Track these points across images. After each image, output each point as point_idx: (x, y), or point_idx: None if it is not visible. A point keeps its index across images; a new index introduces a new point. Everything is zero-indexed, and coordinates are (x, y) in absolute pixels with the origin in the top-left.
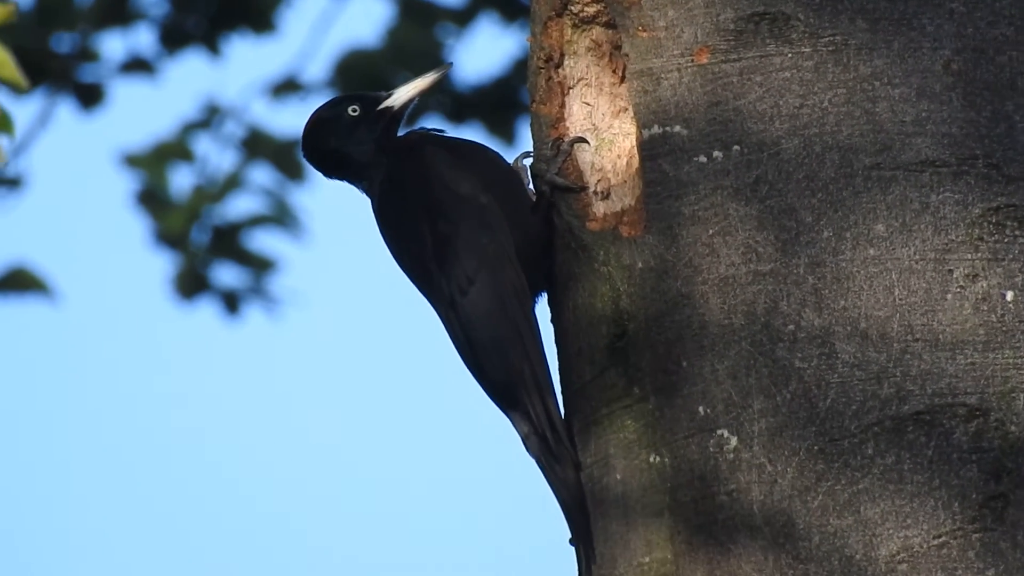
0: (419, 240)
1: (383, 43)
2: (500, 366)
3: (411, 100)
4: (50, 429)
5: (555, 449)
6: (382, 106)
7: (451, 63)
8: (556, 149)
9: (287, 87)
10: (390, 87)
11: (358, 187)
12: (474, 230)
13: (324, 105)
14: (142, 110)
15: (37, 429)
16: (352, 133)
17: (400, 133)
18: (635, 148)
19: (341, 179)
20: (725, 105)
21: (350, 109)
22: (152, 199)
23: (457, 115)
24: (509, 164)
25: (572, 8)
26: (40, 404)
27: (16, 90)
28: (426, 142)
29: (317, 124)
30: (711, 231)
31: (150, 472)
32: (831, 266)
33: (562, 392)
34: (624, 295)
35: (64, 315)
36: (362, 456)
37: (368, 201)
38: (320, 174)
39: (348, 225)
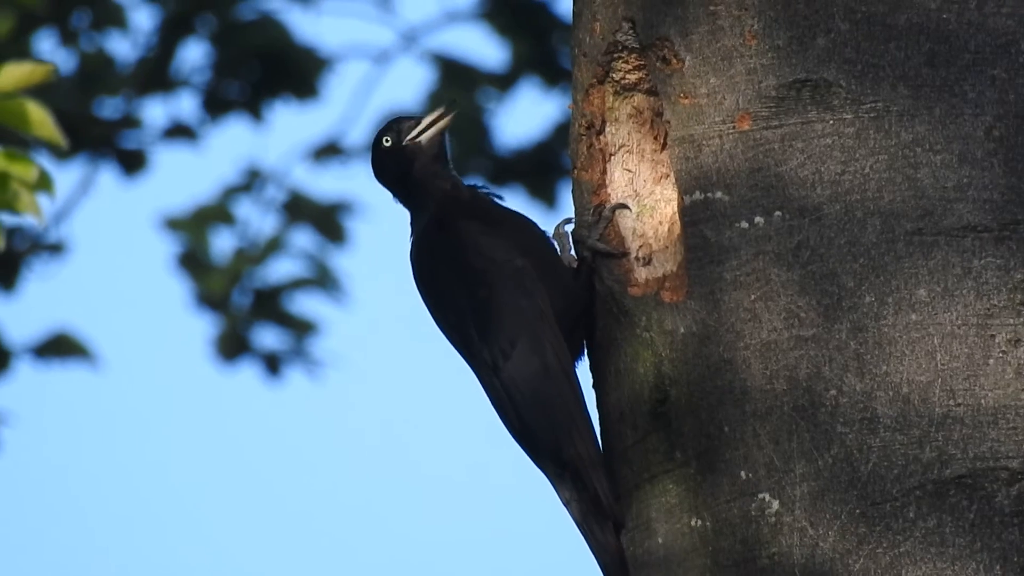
0: (457, 308)
1: (425, 107)
2: (545, 429)
3: (434, 138)
4: (93, 494)
5: (599, 512)
6: (409, 139)
7: (455, 100)
8: (598, 215)
9: (328, 151)
10: None
11: (411, 216)
12: (512, 294)
13: (378, 130)
14: (184, 175)
15: (80, 495)
16: (391, 162)
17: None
18: (677, 214)
19: (403, 204)
20: (767, 171)
21: (384, 139)
22: (194, 262)
23: (498, 178)
24: (543, 231)
25: (614, 75)
26: (83, 469)
27: (56, 150)
28: (460, 211)
29: (373, 147)
30: (753, 296)
31: (193, 534)
32: (873, 331)
33: (604, 456)
34: (666, 360)
35: (106, 379)
36: (403, 518)
37: (409, 237)
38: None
39: (388, 287)
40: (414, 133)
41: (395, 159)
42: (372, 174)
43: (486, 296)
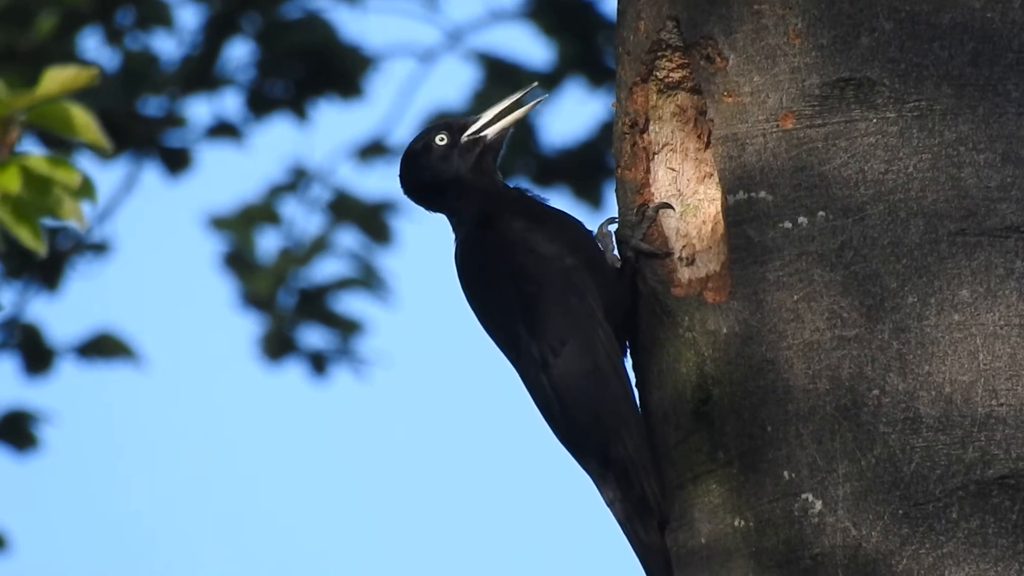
0: (505, 305)
1: (469, 106)
2: (593, 428)
3: (505, 130)
4: (136, 494)
5: (644, 511)
6: (471, 132)
7: (545, 96)
8: (641, 215)
9: (374, 150)
10: None
11: (449, 219)
12: (562, 291)
13: (415, 138)
14: (228, 174)
15: (123, 494)
16: (443, 162)
17: (496, 175)
18: (720, 214)
19: (440, 211)
20: (810, 170)
21: (437, 138)
22: (239, 262)
23: (543, 178)
24: (589, 230)
25: (657, 74)
26: (126, 469)
27: (100, 154)
28: (507, 209)
29: (410, 158)
30: (796, 297)
31: (239, 535)
32: (916, 331)
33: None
34: (709, 360)
35: (150, 379)
36: (450, 517)
37: (452, 239)
38: (422, 208)
39: (434, 286)
40: (477, 126)
41: (445, 159)
42: (404, 184)
43: (536, 293)
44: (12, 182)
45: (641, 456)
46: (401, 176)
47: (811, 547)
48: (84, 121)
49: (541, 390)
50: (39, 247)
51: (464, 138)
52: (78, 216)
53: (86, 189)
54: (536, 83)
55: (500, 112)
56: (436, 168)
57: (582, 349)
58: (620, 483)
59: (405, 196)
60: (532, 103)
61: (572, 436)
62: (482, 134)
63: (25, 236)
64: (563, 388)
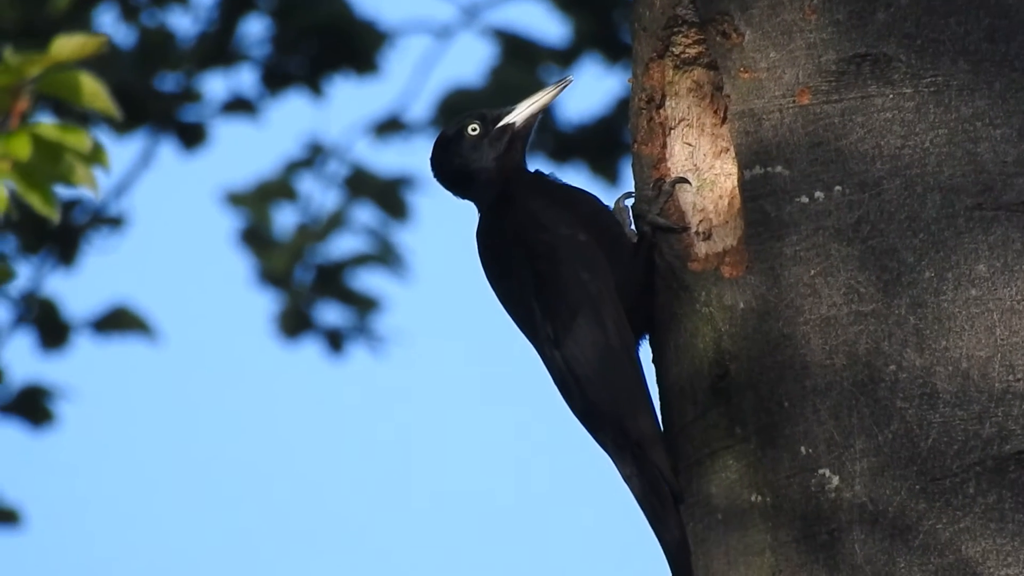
0: (520, 281)
1: (486, 83)
2: (606, 404)
3: (534, 117)
4: (152, 469)
5: (658, 489)
6: (503, 123)
7: (570, 78)
8: (658, 190)
9: (390, 127)
10: None
11: (479, 207)
12: (575, 268)
13: (450, 124)
14: (243, 150)
15: (139, 469)
16: (475, 153)
17: (526, 158)
18: (736, 189)
19: (468, 198)
20: (827, 146)
21: (470, 128)
22: (255, 238)
23: (560, 154)
24: (606, 206)
25: (674, 49)
26: (142, 444)
27: (116, 124)
28: (525, 189)
29: (442, 144)
30: (813, 272)
31: (255, 511)
32: (932, 306)
33: (664, 432)
34: (726, 336)
35: (166, 355)
36: (466, 494)
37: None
38: (450, 194)
39: (451, 263)
40: (510, 117)
41: (475, 148)
42: (434, 170)
43: (548, 270)
44: (23, 149)
45: (652, 433)
46: (432, 161)
47: (828, 522)
48: (93, 89)
49: (556, 367)
50: (52, 213)
51: (502, 123)
52: (91, 182)
53: (98, 155)
54: (571, 78)
55: (532, 102)
56: (466, 156)
57: (592, 326)
58: (636, 459)
59: (436, 181)
60: (560, 88)
61: (587, 413)
62: (511, 121)
63: (37, 202)
64: (574, 364)
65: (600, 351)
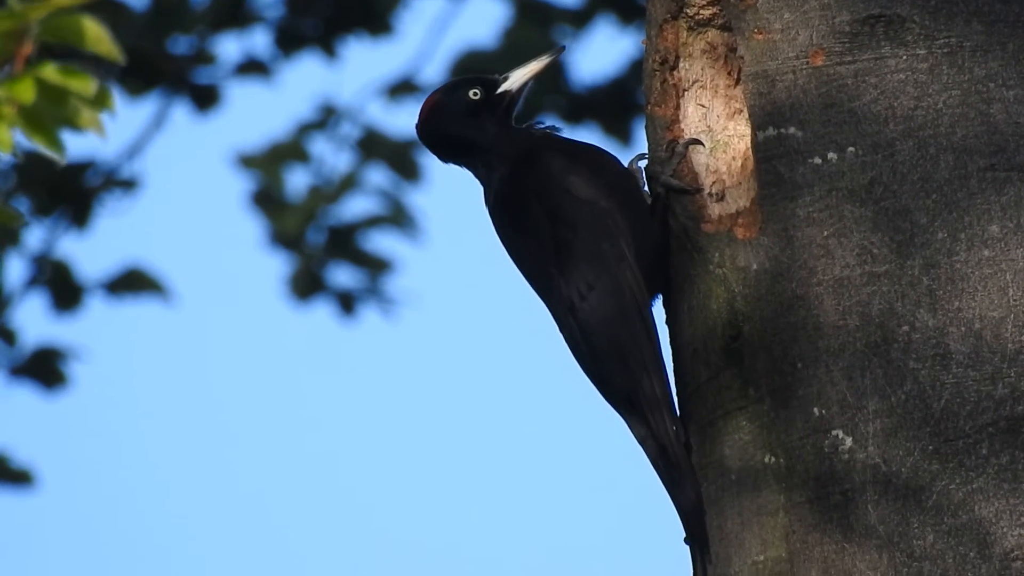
0: (539, 244)
1: (500, 44)
2: (618, 371)
3: (526, 83)
4: (166, 431)
5: (671, 454)
6: (501, 90)
7: (563, 46)
8: (671, 151)
9: (403, 88)
10: None
11: (474, 172)
12: (595, 235)
13: (442, 88)
14: (257, 112)
15: (152, 431)
16: (474, 117)
17: (517, 124)
18: (750, 150)
19: (458, 163)
20: (840, 107)
21: (471, 92)
22: (267, 200)
23: (573, 116)
24: (625, 167)
25: (687, 11)
26: (156, 406)
27: (124, 82)
28: (546, 146)
29: (437, 108)
30: (826, 233)
31: (266, 471)
32: (945, 267)
33: (677, 393)
34: (739, 297)
35: (179, 316)
36: (479, 457)
37: (481, 188)
38: (437, 158)
39: (464, 225)
40: (509, 83)
41: (474, 113)
42: (423, 130)
43: (568, 236)
44: (27, 93)
45: (659, 398)
46: (423, 124)
47: (841, 483)
48: (96, 33)
49: (570, 331)
50: (58, 153)
51: (501, 89)
52: (97, 126)
53: (103, 98)
54: (564, 46)
55: (526, 71)
56: (464, 121)
57: (610, 293)
58: (646, 423)
59: (420, 141)
60: (553, 56)
61: (600, 377)
62: (508, 88)
63: (43, 143)
64: (589, 331)
65: (616, 319)
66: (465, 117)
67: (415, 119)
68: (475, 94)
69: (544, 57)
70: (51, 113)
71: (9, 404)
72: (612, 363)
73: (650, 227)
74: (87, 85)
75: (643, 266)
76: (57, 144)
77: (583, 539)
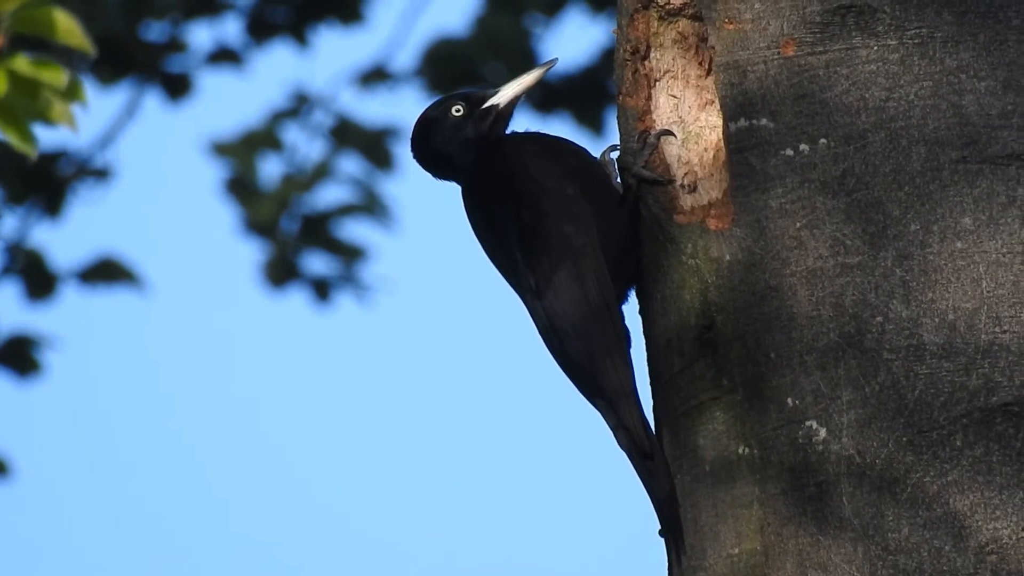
0: (505, 230)
1: (471, 32)
2: (584, 358)
3: (517, 98)
4: (140, 419)
5: (640, 443)
6: (487, 104)
7: (556, 59)
8: (643, 142)
9: (375, 76)
10: (478, 76)
11: (462, 184)
12: (559, 221)
13: (432, 105)
14: (229, 100)
15: (126, 420)
16: (456, 133)
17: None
18: (721, 141)
19: (449, 179)
20: (811, 98)
21: (454, 109)
22: (241, 188)
23: (545, 105)
24: (595, 158)
25: (658, 0)
26: (130, 394)
27: (96, 71)
28: (515, 138)
29: (423, 125)
30: (798, 224)
31: (242, 457)
32: (919, 259)
33: (651, 383)
34: (712, 287)
35: (153, 304)
36: (452, 443)
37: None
38: (429, 175)
39: (437, 213)
40: (496, 97)
41: (458, 128)
42: (414, 148)
43: (533, 221)
44: None
45: (624, 388)
46: (413, 141)
47: (816, 475)
48: (68, 25)
49: (538, 317)
50: (30, 150)
51: (487, 104)
52: (68, 119)
53: (75, 92)
54: (557, 59)
55: (517, 85)
56: (447, 136)
57: (573, 280)
58: (616, 412)
59: (415, 160)
60: (543, 70)
61: (568, 364)
62: (495, 103)
63: (14, 138)
64: (555, 317)
65: (579, 304)
66: (447, 134)
67: (389, 109)
68: (457, 111)
69: (535, 71)
70: (23, 106)
71: None
72: (578, 348)
73: (618, 216)
74: (59, 77)
75: (609, 254)
76: (29, 139)
77: (555, 525)
